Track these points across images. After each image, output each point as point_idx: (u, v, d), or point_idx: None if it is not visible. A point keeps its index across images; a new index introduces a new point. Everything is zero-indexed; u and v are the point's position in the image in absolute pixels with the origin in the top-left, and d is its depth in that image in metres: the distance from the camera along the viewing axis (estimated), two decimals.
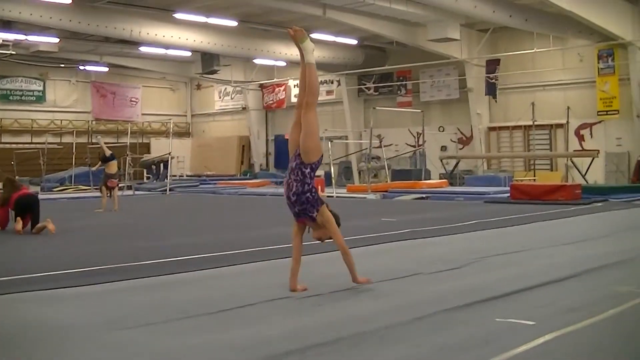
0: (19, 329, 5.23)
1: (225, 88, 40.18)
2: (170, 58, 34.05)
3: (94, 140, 33.50)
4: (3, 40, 27.72)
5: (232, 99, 40.57)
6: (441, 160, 27.68)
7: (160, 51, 30.80)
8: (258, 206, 19.57)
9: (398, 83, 32.14)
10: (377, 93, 33.00)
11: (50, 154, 31.95)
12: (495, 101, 28.72)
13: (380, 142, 29.80)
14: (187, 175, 36.55)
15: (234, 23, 26.30)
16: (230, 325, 5.30)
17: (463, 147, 30.48)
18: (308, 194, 6.32)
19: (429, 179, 26.18)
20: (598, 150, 24.57)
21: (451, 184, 25.33)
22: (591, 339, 4.86)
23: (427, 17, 23.32)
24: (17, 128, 36.62)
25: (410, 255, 9.04)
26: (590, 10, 21.58)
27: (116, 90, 40.15)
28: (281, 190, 24.26)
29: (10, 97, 36.29)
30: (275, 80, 35.65)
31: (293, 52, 30.02)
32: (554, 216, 14.35)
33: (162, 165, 33.36)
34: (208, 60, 31.22)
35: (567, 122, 26.93)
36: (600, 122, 26.32)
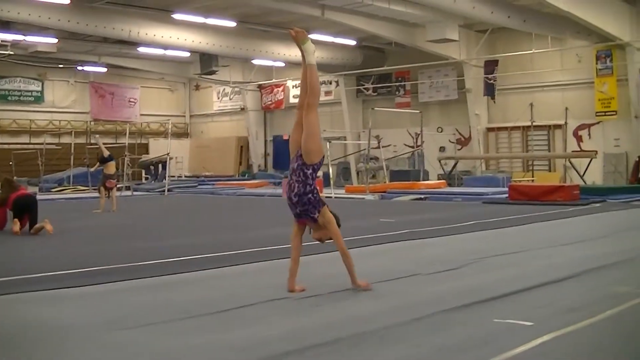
0: (18, 329, 5.23)
1: (224, 89, 40.19)
2: (168, 58, 34.05)
3: (92, 141, 33.46)
4: (1, 41, 27.75)
5: (230, 99, 40.58)
6: (439, 161, 27.69)
7: (159, 52, 30.80)
8: (256, 207, 19.57)
9: (396, 84, 32.14)
10: (375, 94, 33.01)
11: (48, 155, 31.90)
12: (494, 102, 28.74)
13: (379, 142, 29.77)
14: (185, 176, 36.55)
15: (232, 24, 26.30)
16: (230, 325, 5.30)
17: (461, 148, 30.50)
18: (310, 195, 6.32)
19: (428, 180, 26.18)
20: (596, 151, 24.59)
21: (449, 185, 25.32)
22: (590, 339, 4.86)
23: (425, 17, 23.33)
24: (15, 128, 36.61)
25: (409, 256, 9.04)
26: (588, 11, 21.59)
27: (115, 90, 40.14)
28: (279, 190, 24.29)
29: (9, 98, 36.27)
30: (273, 80, 35.66)
31: (291, 53, 30.05)
32: (552, 217, 14.36)
33: (160, 165, 33.36)
34: (206, 61, 31.21)
35: (566, 122, 26.96)
36: (598, 122, 26.35)
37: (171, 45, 28.31)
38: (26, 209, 12.16)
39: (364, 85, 33.23)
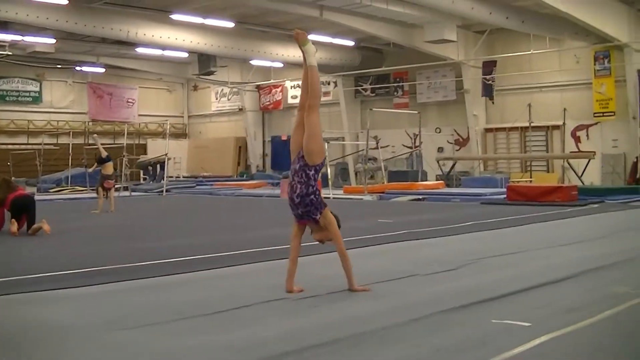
0: (18, 330, 5.23)
1: (222, 89, 40.20)
2: (167, 59, 34.05)
3: (90, 141, 33.45)
4: None
5: (228, 100, 40.57)
6: (438, 162, 27.69)
7: (157, 52, 30.80)
8: (254, 207, 19.56)
9: (395, 84, 32.16)
10: (373, 94, 33.02)
11: (46, 155, 31.93)
12: (492, 102, 28.77)
13: (377, 143, 29.80)
14: (183, 177, 36.57)
15: (230, 24, 26.29)
16: (228, 326, 5.30)
17: (460, 149, 30.51)
18: (312, 196, 6.32)
19: (426, 181, 26.18)
20: (594, 152, 24.62)
21: (448, 186, 25.34)
22: (588, 340, 4.86)
23: (423, 18, 23.33)
24: (13, 129, 36.59)
25: (407, 256, 9.04)
26: (587, 12, 21.61)
27: (113, 91, 40.13)
28: (278, 191, 24.27)
29: (7, 98, 36.26)
30: (272, 81, 35.70)
31: (290, 53, 30.07)
32: (550, 217, 14.37)
33: (158, 166, 33.37)
34: (205, 62, 31.22)
35: (564, 123, 26.98)
36: (596, 123, 26.37)
37: (169, 45, 28.31)
38: (24, 210, 12.15)
39: (362, 85, 33.24)
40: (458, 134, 30.59)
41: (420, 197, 21.37)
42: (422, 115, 28.02)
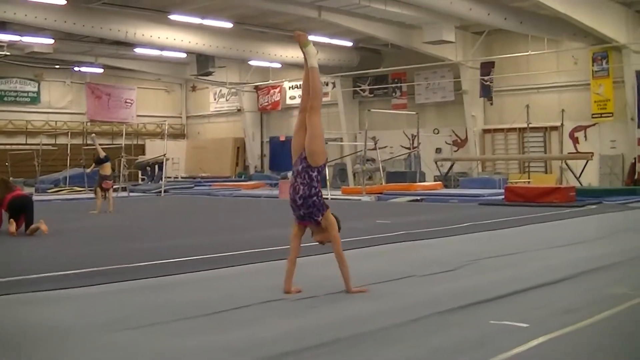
0: (17, 330, 5.24)
1: (220, 90, 40.19)
2: (165, 59, 34.03)
3: (88, 141, 33.43)
4: None
5: (227, 100, 40.56)
6: (436, 163, 27.70)
7: (155, 53, 30.80)
8: (253, 208, 19.57)
9: (393, 85, 32.16)
10: (372, 95, 33.03)
11: (44, 155, 31.92)
12: (491, 104, 28.78)
13: (375, 144, 29.80)
14: (181, 177, 36.55)
15: (229, 25, 26.30)
16: (226, 326, 5.31)
17: (458, 150, 30.51)
18: (315, 198, 6.33)
19: (424, 181, 26.19)
20: (592, 153, 24.64)
21: (446, 186, 25.34)
22: (586, 341, 4.87)
23: (422, 19, 23.36)
24: (11, 129, 36.56)
25: (405, 257, 9.05)
26: (585, 13, 21.64)
27: (111, 91, 40.12)
28: (276, 192, 24.21)
29: (5, 98, 36.23)
30: (270, 82, 35.72)
31: (288, 54, 30.09)
32: (548, 218, 14.38)
33: (157, 166, 33.38)
34: (203, 62, 31.23)
35: (562, 124, 27.00)
36: (594, 124, 26.39)
37: (168, 46, 28.31)
38: (22, 210, 12.15)
39: (360, 86, 33.26)
40: (456, 135, 30.61)
41: (419, 198, 21.38)
42: (420, 116, 28.02)
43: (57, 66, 35.57)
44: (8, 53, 29.48)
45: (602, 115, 25.71)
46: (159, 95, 42.49)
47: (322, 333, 5.02)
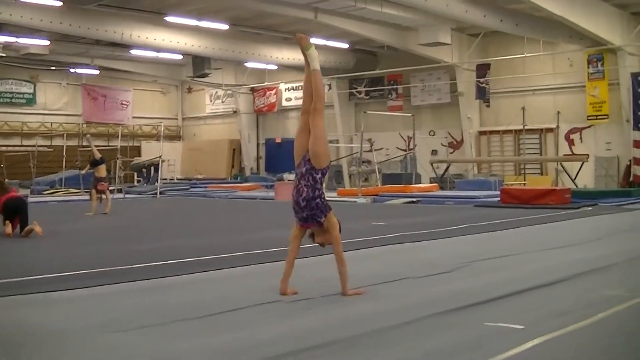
0: (17, 331, 5.25)
1: (216, 91, 40.17)
2: (161, 61, 34.01)
3: (84, 143, 33.39)
4: None
5: (223, 102, 40.55)
6: (432, 164, 27.73)
7: (151, 54, 30.76)
8: (249, 210, 19.56)
9: (389, 87, 32.18)
10: (368, 97, 33.06)
11: (40, 157, 31.85)
12: (487, 106, 28.81)
13: (371, 146, 29.80)
14: (177, 179, 36.51)
15: (225, 26, 26.29)
16: (222, 328, 5.31)
17: (454, 151, 30.54)
18: (318, 200, 6.35)
19: (420, 183, 26.19)
20: (588, 155, 24.68)
21: (442, 188, 25.34)
22: (581, 343, 4.88)
23: (418, 21, 23.39)
24: (7, 131, 36.51)
25: (401, 259, 9.05)
26: (581, 15, 21.69)
27: (107, 93, 40.09)
28: (272, 193, 24.16)
29: (0, 100, 36.18)
30: (266, 83, 35.74)
31: (284, 56, 30.10)
32: (543, 220, 14.39)
33: (152, 168, 33.32)
34: (199, 64, 31.22)
35: (557, 126, 27.04)
36: (590, 126, 26.44)
37: (164, 47, 28.31)
38: (16, 211, 12.12)
39: (356, 88, 33.28)
40: (452, 137, 30.63)
41: (414, 199, 21.38)
42: (416, 118, 28.05)
43: (53, 67, 35.54)
44: (4, 54, 29.47)
45: (598, 117, 25.76)
46: (155, 97, 42.47)
47: (318, 335, 5.02)
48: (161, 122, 32.70)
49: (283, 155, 35.17)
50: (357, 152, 27.32)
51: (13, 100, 36.60)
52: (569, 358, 4.54)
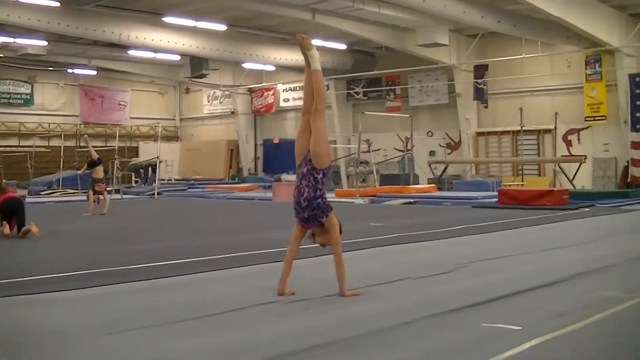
0: (17, 332, 5.25)
1: (214, 92, 40.16)
2: (159, 62, 34.01)
3: (82, 144, 33.36)
4: None
5: (220, 103, 40.55)
6: (429, 165, 27.73)
7: (149, 55, 30.76)
8: (247, 210, 19.56)
9: (387, 88, 32.19)
10: (365, 98, 33.06)
11: (37, 157, 31.86)
12: (485, 107, 28.82)
13: (369, 146, 29.80)
14: (175, 179, 36.50)
15: (223, 27, 26.28)
16: (221, 329, 5.32)
17: (451, 152, 30.55)
18: (319, 200, 6.36)
19: (417, 184, 26.18)
20: (585, 156, 24.68)
21: (439, 189, 25.36)
22: (578, 343, 4.89)
23: (416, 22, 23.39)
24: (4, 131, 36.47)
25: (398, 259, 9.06)
26: (578, 16, 21.70)
27: (105, 93, 40.08)
28: (269, 194, 24.13)
29: None
30: (264, 84, 35.72)
31: (282, 57, 30.10)
32: (541, 221, 14.40)
33: (150, 169, 33.31)
34: (197, 64, 31.21)
35: (555, 127, 27.05)
36: (587, 127, 26.46)
37: (161, 48, 28.30)
38: (14, 212, 12.12)
39: (354, 89, 33.28)
40: (450, 138, 30.65)
41: (412, 200, 21.39)
42: (414, 119, 28.05)
43: (51, 68, 35.53)
44: (1, 55, 29.48)
45: (595, 118, 25.78)
46: (153, 98, 42.46)
47: (318, 335, 5.03)
48: (159, 123, 32.69)
49: (281, 155, 35.20)
50: (354, 153, 27.33)
51: (11, 100, 36.57)
52: (567, 359, 4.55)
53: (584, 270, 7.93)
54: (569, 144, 27.03)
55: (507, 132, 28.51)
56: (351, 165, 29.46)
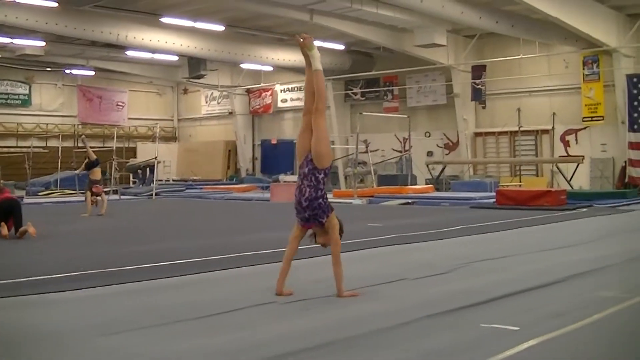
0: (16, 332, 5.26)
1: (212, 93, 40.15)
2: (157, 62, 34.02)
3: (80, 144, 33.35)
4: None
5: (218, 103, 40.55)
6: (427, 166, 27.74)
7: (147, 55, 30.75)
8: (245, 211, 19.54)
9: (385, 88, 32.21)
10: (363, 98, 33.07)
11: (35, 158, 31.84)
12: (483, 107, 28.83)
13: (367, 147, 29.85)
14: (173, 180, 36.48)
15: (221, 28, 26.29)
16: (220, 329, 5.32)
17: (449, 153, 30.57)
18: (320, 200, 6.37)
19: (415, 184, 26.21)
20: (583, 156, 24.70)
21: (437, 190, 25.37)
22: (575, 344, 4.90)
23: (413, 22, 23.41)
24: (2, 132, 36.47)
25: (396, 260, 9.07)
26: (576, 17, 21.72)
27: (102, 94, 40.06)
28: (267, 195, 24.11)
29: None
30: (262, 85, 35.72)
31: (280, 57, 30.10)
32: (539, 222, 14.42)
33: (148, 169, 33.30)
34: (195, 65, 31.21)
35: (553, 128, 27.06)
36: (585, 128, 26.48)
37: (159, 49, 28.29)
38: (10, 212, 12.10)
39: (352, 89, 33.28)
40: (448, 138, 30.66)
41: (410, 201, 21.40)
42: (412, 120, 28.06)
43: (49, 69, 35.51)
44: None
45: (593, 118, 25.80)
46: (151, 98, 42.45)
47: (317, 336, 5.04)
48: (157, 123, 32.66)
49: (279, 156, 35.23)
50: (352, 154, 27.34)
51: (8, 101, 36.55)
52: (566, 359, 4.56)
53: (582, 270, 7.94)
54: (566, 144, 27.05)
55: (505, 132, 28.52)
56: (349, 166, 29.46)
